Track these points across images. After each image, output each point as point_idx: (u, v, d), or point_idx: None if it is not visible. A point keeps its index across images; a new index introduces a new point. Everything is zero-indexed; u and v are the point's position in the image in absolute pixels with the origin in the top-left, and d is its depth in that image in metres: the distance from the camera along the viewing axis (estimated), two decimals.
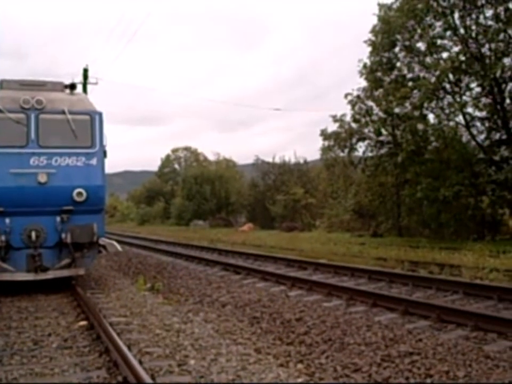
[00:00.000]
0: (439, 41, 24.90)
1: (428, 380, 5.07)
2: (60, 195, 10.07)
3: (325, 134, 27.90)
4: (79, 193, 10.16)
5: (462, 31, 24.10)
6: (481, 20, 23.64)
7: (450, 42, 24.80)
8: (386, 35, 25.47)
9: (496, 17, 22.88)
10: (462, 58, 23.58)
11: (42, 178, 10.00)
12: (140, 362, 5.45)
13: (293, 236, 31.32)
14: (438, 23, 24.48)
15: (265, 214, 48.65)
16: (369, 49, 26.42)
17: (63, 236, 10.10)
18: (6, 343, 6.64)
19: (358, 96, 26.61)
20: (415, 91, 24.43)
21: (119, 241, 15.37)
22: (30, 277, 9.99)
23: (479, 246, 17.06)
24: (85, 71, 28.53)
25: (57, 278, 10.36)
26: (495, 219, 25.88)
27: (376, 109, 26.00)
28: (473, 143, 25.92)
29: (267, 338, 6.80)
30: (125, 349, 5.69)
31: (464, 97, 25.03)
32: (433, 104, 25.04)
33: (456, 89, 24.88)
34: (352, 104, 26.61)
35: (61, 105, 10.50)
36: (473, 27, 23.87)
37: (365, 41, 26.40)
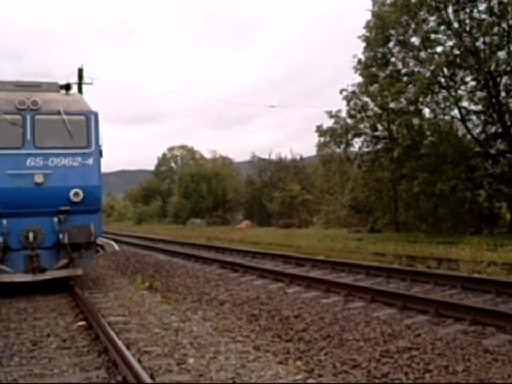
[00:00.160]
0: (433, 36, 24.96)
1: (427, 375, 5.09)
2: (57, 195, 10.05)
3: (320, 130, 27.92)
4: (76, 194, 10.15)
5: (456, 25, 24.15)
6: (475, 13, 23.73)
7: (444, 37, 24.90)
8: (380, 30, 25.50)
9: (490, 10, 22.92)
10: (457, 52, 23.65)
11: (39, 179, 9.98)
12: (139, 362, 5.45)
13: (290, 232, 31.33)
14: (432, 18, 24.55)
15: (262, 211, 48.71)
16: (364, 44, 26.47)
17: (61, 236, 10.08)
18: (5, 344, 6.62)
19: (353, 92, 26.64)
20: (410, 86, 24.49)
21: (116, 241, 15.39)
22: (28, 277, 9.98)
23: (476, 240, 17.06)
24: (80, 71, 28.42)
25: (55, 279, 10.36)
26: (492, 213, 25.99)
27: (371, 104, 26.04)
28: (469, 136, 26.01)
29: (266, 336, 6.81)
30: (123, 348, 5.68)
31: (459, 91, 25.14)
32: (428, 98, 25.12)
33: (451, 83, 24.94)
34: (348, 100, 26.64)
35: (56, 106, 10.48)
36: (467, 21, 23.93)
37: (359, 37, 26.46)
